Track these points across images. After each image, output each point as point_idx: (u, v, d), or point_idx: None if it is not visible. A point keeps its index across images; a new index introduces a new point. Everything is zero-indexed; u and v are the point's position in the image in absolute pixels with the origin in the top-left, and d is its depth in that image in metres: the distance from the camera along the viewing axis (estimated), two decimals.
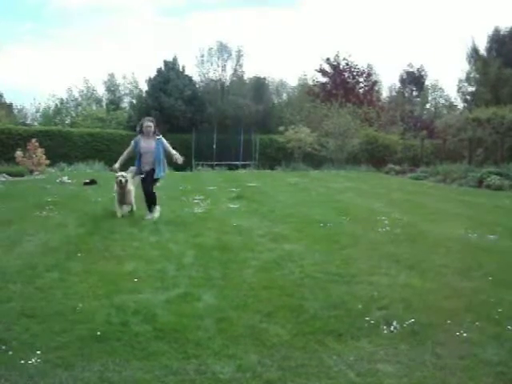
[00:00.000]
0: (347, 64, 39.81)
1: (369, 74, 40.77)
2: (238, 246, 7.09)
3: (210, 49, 36.92)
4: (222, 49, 36.92)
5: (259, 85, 37.29)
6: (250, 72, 41.86)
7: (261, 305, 4.59)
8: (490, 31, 38.21)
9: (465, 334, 3.94)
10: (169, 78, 31.79)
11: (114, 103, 43.12)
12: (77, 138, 28.42)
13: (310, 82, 42.18)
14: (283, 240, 7.51)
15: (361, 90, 39.85)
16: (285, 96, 45.57)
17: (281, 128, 28.90)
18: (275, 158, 28.95)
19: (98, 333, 3.88)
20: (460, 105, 40.77)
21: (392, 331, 4.01)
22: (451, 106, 42.89)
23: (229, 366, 3.42)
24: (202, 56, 36.89)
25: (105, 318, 4.22)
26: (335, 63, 39.80)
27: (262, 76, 38.83)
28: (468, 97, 39.03)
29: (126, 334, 3.90)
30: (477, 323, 4.18)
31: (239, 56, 37.20)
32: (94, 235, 7.72)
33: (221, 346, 3.70)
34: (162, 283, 5.28)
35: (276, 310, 4.45)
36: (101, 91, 45.91)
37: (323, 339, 3.85)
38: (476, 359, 3.55)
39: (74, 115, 41.77)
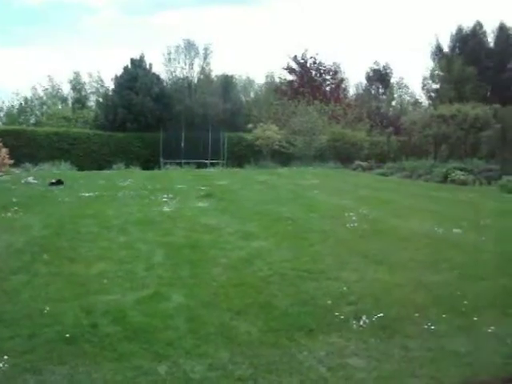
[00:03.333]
0: (314, 62, 40.08)
1: (335, 72, 41.13)
2: (207, 244, 7.07)
3: (177, 47, 36.67)
4: (189, 47, 36.67)
5: (227, 83, 37.18)
6: (217, 70, 41.76)
7: (231, 303, 4.59)
8: (454, 30, 38.98)
9: (432, 327, 4.01)
10: (136, 76, 31.46)
11: (80, 102, 42.41)
12: (42, 138, 27.88)
13: (278, 80, 42.34)
14: (252, 238, 7.52)
15: (328, 88, 40.17)
16: (252, 94, 45.61)
17: (249, 126, 28.93)
18: (244, 155, 28.93)
19: (67, 335, 3.82)
20: (425, 102, 41.41)
21: (361, 326, 4.06)
22: (416, 103, 43.52)
23: (200, 364, 3.41)
24: (169, 54, 36.62)
25: (73, 320, 4.16)
26: (302, 61, 40.02)
27: (230, 74, 38.78)
28: (432, 94, 39.65)
29: (95, 335, 3.85)
30: (444, 315, 4.26)
31: (206, 54, 37.02)
32: (60, 236, 7.60)
33: (192, 345, 3.69)
34: (131, 283, 5.23)
35: (246, 308, 4.45)
36: (66, 90, 45.13)
37: (294, 335, 3.87)
38: (443, 351, 3.63)
39: (38, 114, 40.96)
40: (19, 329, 3.97)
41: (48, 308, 4.41)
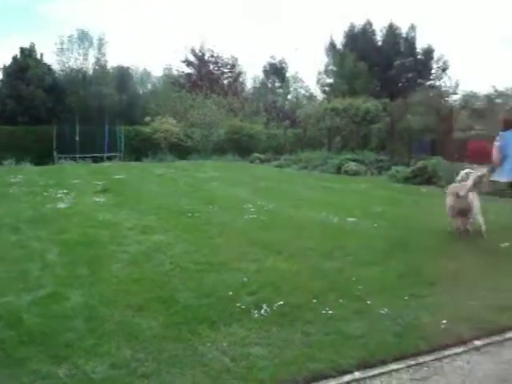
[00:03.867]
0: (212, 55, 40.10)
1: (233, 66, 41.40)
2: (105, 240, 6.90)
3: (70, 37, 35.21)
4: (83, 37, 35.35)
5: (123, 74, 36.35)
6: (113, 61, 40.63)
7: (132, 299, 4.52)
8: (346, 28, 40.58)
9: (330, 312, 4.19)
10: (27, 66, 29.89)
11: None
12: None
13: (176, 73, 41.93)
14: (152, 232, 7.43)
15: (226, 81, 40.35)
16: (150, 86, 44.85)
17: (147, 119, 28.42)
18: (141, 149, 28.31)
19: None
20: (319, 95, 42.74)
21: (263, 314, 4.15)
22: (311, 97, 44.79)
23: (101, 364, 3.33)
24: (62, 44, 35.08)
25: None
26: (200, 54, 39.90)
27: (126, 66, 37.90)
28: (326, 88, 41.04)
29: None
30: (340, 300, 4.46)
31: (101, 44, 35.86)
32: None
33: (92, 345, 3.60)
34: (25, 284, 4.99)
35: (147, 303, 4.41)
36: None
37: (196, 328, 3.89)
38: (341, 334, 3.80)
39: None
40: None
41: None
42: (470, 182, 7.24)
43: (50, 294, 4.70)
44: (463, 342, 3.78)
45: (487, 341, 3.84)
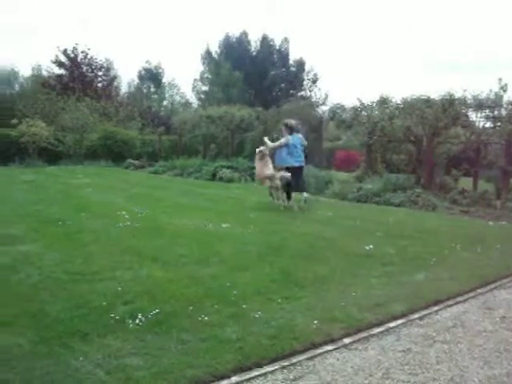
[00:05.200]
0: (85, 57, 38.76)
1: (108, 69, 40.33)
2: None
3: None
4: None
5: None
6: None
7: None
8: (222, 37, 41.21)
9: (206, 318, 4.23)
10: None
11: None
12: None
13: (45, 74, 40.00)
14: (18, 242, 7.02)
15: (100, 85, 39.19)
16: (17, 87, 42.38)
17: (13, 121, 26.77)
18: (7, 153, 26.57)
19: None
20: (195, 102, 42.93)
21: (138, 324, 4.09)
22: (187, 104, 44.86)
23: None
24: None
25: None
26: (73, 55, 38.41)
27: None
28: (202, 95, 41.37)
29: None
30: (216, 306, 4.52)
31: None
32: None
33: None
34: None
35: (14, 319, 4.15)
36: None
37: (68, 342, 3.74)
38: (217, 339, 3.85)
39: None
40: None
41: None
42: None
43: None
44: (333, 340, 3.99)
45: (355, 338, 4.09)
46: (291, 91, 41.14)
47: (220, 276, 5.52)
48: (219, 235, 7.82)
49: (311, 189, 14.09)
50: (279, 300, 4.79)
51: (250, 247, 6.98)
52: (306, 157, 11.71)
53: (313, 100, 37.38)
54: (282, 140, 11.31)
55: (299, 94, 41.28)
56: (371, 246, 7.12)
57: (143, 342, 3.77)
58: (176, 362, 3.48)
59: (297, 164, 11.24)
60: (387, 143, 16.19)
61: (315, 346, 3.89)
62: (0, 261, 6.01)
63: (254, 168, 13.33)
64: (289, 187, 11.00)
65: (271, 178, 11.00)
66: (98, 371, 3.34)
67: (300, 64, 42.47)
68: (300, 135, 11.62)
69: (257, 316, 4.34)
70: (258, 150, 11.34)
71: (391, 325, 4.41)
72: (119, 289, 4.95)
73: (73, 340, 3.77)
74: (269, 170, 11.10)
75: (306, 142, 11.63)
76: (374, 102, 16.68)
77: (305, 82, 43.26)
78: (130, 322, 4.13)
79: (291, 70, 42.42)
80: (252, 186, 16.29)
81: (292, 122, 11.75)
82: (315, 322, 4.24)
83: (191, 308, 4.45)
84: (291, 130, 11.43)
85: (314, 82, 43.04)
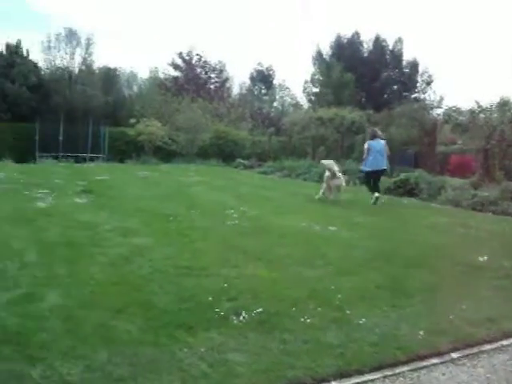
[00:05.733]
0: (200, 59, 40.08)
1: (220, 71, 41.43)
2: (84, 241, 6.82)
3: (58, 35, 34.93)
4: (71, 36, 35.10)
5: (109, 75, 36.17)
6: (100, 62, 40.39)
7: (109, 302, 4.47)
8: (333, 38, 40.94)
9: (308, 320, 4.19)
10: (12, 63, 29.59)
11: None
12: None
13: (162, 76, 41.83)
14: (132, 234, 7.38)
15: (212, 86, 40.35)
16: (136, 88, 44.70)
17: (131, 121, 28.29)
18: (125, 151, 28.16)
19: None
20: (305, 104, 42.96)
21: (241, 321, 4.14)
22: (297, 105, 45.00)
23: (77, 366, 3.29)
24: (49, 42, 34.79)
25: None
26: (188, 58, 39.86)
27: (113, 67, 37.71)
28: (312, 97, 41.31)
29: None
30: (319, 309, 4.46)
31: (89, 44, 35.64)
32: None
33: (68, 347, 3.55)
34: (2, 283, 4.92)
35: (125, 307, 4.36)
36: None
37: (174, 333, 3.86)
38: (318, 343, 3.80)
39: None
40: None
41: None
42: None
43: (27, 293, 4.64)
44: (440, 354, 3.80)
45: (463, 353, 3.87)
46: (404, 93, 40.02)
47: (325, 279, 5.45)
48: (326, 238, 7.75)
49: (423, 194, 13.67)
50: (384, 307, 4.64)
51: (357, 252, 6.85)
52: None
53: (427, 102, 36.07)
54: (364, 145, 12.85)
55: (412, 96, 40.06)
56: (485, 258, 6.72)
57: (245, 339, 3.81)
58: (277, 362, 3.48)
59: (379, 168, 12.60)
60: (507, 148, 15.27)
61: (420, 357, 3.72)
62: (117, 251, 6.35)
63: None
64: (368, 185, 12.99)
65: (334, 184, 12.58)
66: (200, 363, 3.41)
67: (413, 65, 41.17)
68: (382, 141, 12.77)
69: (360, 322, 4.23)
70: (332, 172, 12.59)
71: (504, 343, 4.12)
72: (224, 285, 5.03)
73: (178, 331, 3.88)
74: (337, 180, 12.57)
75: (387, 147, 12.81)
76: (492, 105, 15.82)
77: (418, 84, 41.90)
78: (234, 318, 4.18)
79: (404, 71, 41.25)
80: (360, 190, 16.01)
81: (374, 129, 13.56)
82: (421, 332, 4.07)
83: (294, 309, 4.43)
84: (373, 136, 12.89)
85: (429, 83, 41.56)
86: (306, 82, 42.25)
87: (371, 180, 12.85)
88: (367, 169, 12.81)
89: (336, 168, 12.68)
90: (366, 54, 40.77)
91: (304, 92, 43.01)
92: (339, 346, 3.77)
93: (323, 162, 13.45)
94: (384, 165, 12.78)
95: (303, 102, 44.27)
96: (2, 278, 5.11)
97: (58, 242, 6.75)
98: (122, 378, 3.19)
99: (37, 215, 8.69)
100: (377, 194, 12.32)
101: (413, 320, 4.36)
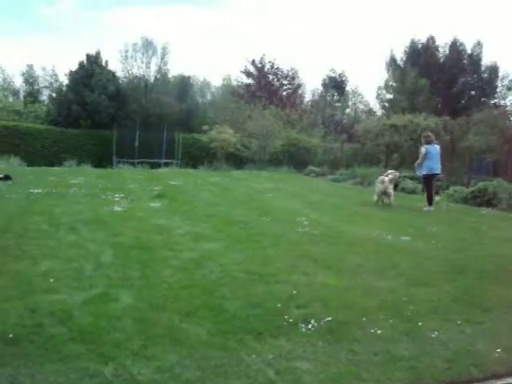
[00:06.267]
0: (272, 67, 40.32)
1: (293, 78, 41.50)
2: (157, 245, 7.00)
3: (135, 45, 36.21)
4: (147, 45, 36.30)
5: (184, 83, 37.04)
6: (174, 70, 41.43)
7: (180, 305, 4.55)
8: (407, 43, 40.12)
9: (379, 331, 4.09)
10: (92, 73, 30.94)
11: (32, 96, 41.45)
12: None
13: (234, 83, 42.40)
14: (204, 239, 7.49)
15: (284, 93, 40.47)
16: (209, 96, 45.53)
17: (204, 127, 28.82)
18: (198, 157, 28.77)
19: (10, 335, 3.71)
20: (378, 111, 42.29)
21: (310, 329, 4.10)
22: (370, 112, 44.37)
23: (147, 367, 3.37)
24: (127, 51, 36.12)
25: (17, 319, 4.04)
26: (260, 65, 40.20)
27: (187, 75, 38.59)
28: (386, 104, 40.60)
29: (40, 336, 3.76)
30: (390, 320, 4.35)
31: (164, 53, 36.72)
32: (6, 233, 7.38)
33: (139, 347, 3.64)
34: (78, 283, 5.13)
35: (195, 310, 4.43)
36: (18, 83, 44.05)
37: (242, 338, 3.87)
38: (389, 355, 3.70)
39: None
40: None
41: None
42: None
43: (102, 294, 4.81)
44: None
45: None
46: (483, 99, 38.59)
47: (396, 289, 5.32)
48: (398, 247, 7.56)
49: (502, 204, 13.13)
50: (459, 321, 4.46)
51: (431, 263, 6.64)
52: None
53: (507, 108, 34.61)
54: (421, 149, 12.97)
55: (492, 102, 38.56)
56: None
57: (314, 348, 3.77)
58: (345, 372, 3.42)
59: (435, 172, 12.89)
60: None
61: (497, 376, 3.53)
62: (188, 255, 6.47)
63: (438, 180, 14.17)
64: (428, 190, 12.97)
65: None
66: (268, 370, 3.40)
67: (493, 69, 39.62)
68: (437, 146, 13.05)
69: (433, 336, 4.09)
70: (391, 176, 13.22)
71: None
72: (294, 292, 5.01)
73: (247, 337, 3.89)
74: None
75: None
76: None
77: (498, 89, 40.31)
78: (303, 326, 4.15)
79: (483, 75, 39.79)
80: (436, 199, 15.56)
81: (427, 133, 13.54)
82: (498, 350, 3.87)
83: (364, 319, 4.35)
84: (429, 141, 12.99)
85: (510, 89, 39.90)
86: (379, 89, 41.63)
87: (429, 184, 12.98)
88: (424, 172, 12.92)
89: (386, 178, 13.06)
90: (442, 59, 39.65)
91: (377, 98, 42.38)
92: (410, 359, 3.65)
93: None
94: (439, 169, 13.00)
95: (376, 108, 43.63)
96: (78, 278, 5.31)
97: (132, 244, 6.96)
98: (190, 380, 3.23)
99: (113, 218, 9.00)
100: (437, 198, 12.83)
101: (489, 336, 4.16)
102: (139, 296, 4.77)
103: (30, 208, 9.76)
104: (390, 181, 12.96)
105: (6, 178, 14.96)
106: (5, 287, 4.88)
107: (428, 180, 13.00)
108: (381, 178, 13.13)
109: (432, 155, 12.71)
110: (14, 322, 3.98)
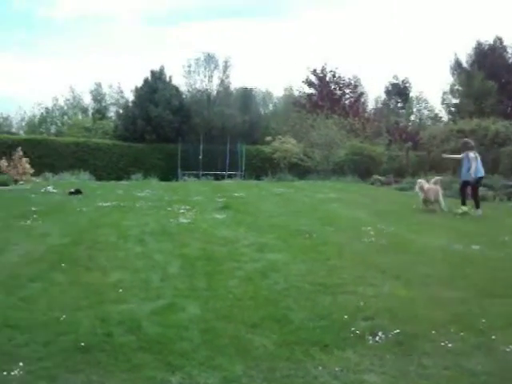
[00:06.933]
0: (334, 76, 40.08)
1: (355, 86, 41.09)
2: (223, 256, 7.06)
3: (197, 59, 36.91)
4: (209, 59, 36.91)
5: (246, 95, 37.39)
6: (236, 83, 41.91)
7: (246, 315, 4.57)
8: (473, 45, 38.93)
9: (449, 345, 3.95)
10: (156, 88, 31.79)
11: (100, 112, 43.02)
12: (62, 147, 28.21)
13: (296, 93, 42.42)
14: (268, 250, 7.50)
15: (347, 102, 40.12)
16: (271, 106, 45.75)
17: (267, 138, 28.96)
18: (261, 168, 28.94)
19: (82, 344, 3.84)
20: (444, 116, 41.24)
21: (377, 341, 4.02)
22: (436, 118, 43.32)
23: (214, 377, 3.39)
24: (189, 66, 36.86)
25: (89, 328, 4.18)
26: (322, 75, 40.05)
27: (249, 87, 38.96)
28: (452, 108, 39.52)
29: (110, 344, 3.86)
30: (461, 333, 4.20)
31: (226, 67, 37.21)
32: (78, 245, 7.66)
33: (206, 357, 3.68)
34: (146, 294, 5.25)
35: (261, 321, 4.43)
36: (87, 100, 45.86)
37: (308, 350, 3.84)
38: (460, 369, 3.57)
39: (59, 124, 41.55)
40: (35, 336, 4.01)
41: (64, 316, 4.44)
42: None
43: (169, 304, 4.89)
44: None
45: None
46: None
47: (467, 301, 5.13)
48: (468, 257, 7.30)
49: None
50: None
51: (504, 273, 6.36)
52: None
53: None
54: (470, 155, 12.94)
55: None
56: None
57: (381, 361, 3.69)
58: None
59: (483, 175, 13.30)
60: None
61: None
62: (253, 266, 6.49)
63: (510, 187, 14.64)
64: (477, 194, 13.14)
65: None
66: (334, 383, 3.36)
67: None
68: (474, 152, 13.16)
69: (507, 350, 3.91)
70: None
71: None
72: (360, 304, 4.93)
73: (313, 349, 3.86)
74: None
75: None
76: None
77: None
78: (370, 338, 4.07)
79: None
80: (507, 206, 14.98)
81: (466, 140, 13.98)
82: None
83: (434, 332, 4.21)
84: (466, 147, 13.30)
85: None
86: (444, 93, 40.60)
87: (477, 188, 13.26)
88: (480, 175, 13.14)
89: (425, 185, 13.28)
90: (510, 60, 38.22)
91: (443, 104, 41.34)
92: (483, 373, 3.51)
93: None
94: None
95: (442, 114, 42.55)
96: (146, 288, 5.44)
97: (198, 255, 7.05)
98: None
99: (179, 230, 9.16)
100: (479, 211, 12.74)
101: None
102: (205, 306, 4.82)
103: (100, 221, 10.09)
104: (430, 188, 13.19)
105: (77, 192, 15.55)
106: (77, 297, 5.05)
107: (478, 184, 13.21)
108: (420, 183, 13.40)
109: (478, 160, 13.04)
110: (86, 331, 4.11)
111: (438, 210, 13.03)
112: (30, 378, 3.34)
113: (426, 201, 13.20)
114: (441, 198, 13.23)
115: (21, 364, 3.49)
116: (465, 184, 13.21)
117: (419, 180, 13.97)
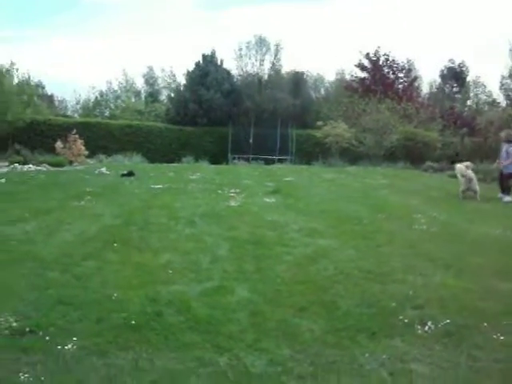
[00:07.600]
0: (387, 59, 39.24)
1: (409, 70, 40.13)
2: (272, 240, 7.09)
3: (249, 43, 36.80)
4: (261, 43, 36.73)
5: (297, 79, 37.03)
6: (287, 66, 41.54)
7: (294, 300, 4.59)
8: None
9: (502, 337, 3.85)
10: (207, 72, 31.91)
11: (153, 96, 43.59)
12: (115, 130, 28.75)
13: (348, 77, 41.77)
14: (318, 236, 7.47)
15: (400, 86, 39.26)
16: (323, 91, 45.22)
17: (318, 123, 28.69)
18: (312, 152, 28.73)
19: (133, 322, 3.94)
20: (503, 102, 39.81)
21: (426, 331, 3.95)
22: (493, 103, 41.89)
23: (260, 359, 3.43)
24: (241, 50, 36.81)
25: (139, 307, 4.28)
26: (375, 59, 39.28)
27: (300, 71, 38.59)
28: (511, 93, 38.09)
29: (159, 324, 3.95)
30: None
31: (277, 50, 36.96)
32: (130, 226, 7.84)
33: (253, 340, 3.72)
34: (196, 275, 5.33)
35: (309, 306, 4.44)
36: (139, 84, 46.48)
37: (356, 336, 3.82)
38: None
39: (113, 107, 42.35)
40: (88, 313, 4.14)
41: (116, 294, 4.56)
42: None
43: (218, 286, 4.96)
44: None
45: None
46: None
47: None
48: None
49: None
50: None
51: None
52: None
53: None
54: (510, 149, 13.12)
55: None
56: None
57: (430, 351, 3.63)
58: (463, 378, 3.27)
59: None
60: None
61: None
62: (302, 251, 6.49)
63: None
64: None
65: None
66: (381, 370, 3.33)
67: None
68: None
69: None
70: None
71: None
72: (410, 292, 4.85)
73: (360, 336, 3.84)
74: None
75: None
76: None
77: None
78: (419, 327, 4.01)
79: None
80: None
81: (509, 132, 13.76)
82: None
83: (486, 324, 4.10)
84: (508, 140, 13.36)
85: None
86: (503, 78, 39.12)
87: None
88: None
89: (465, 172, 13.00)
90: None
91: (501, 89, 39.86)
92: None
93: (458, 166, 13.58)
94: None
95: (500, 99, 41.06)
96: (195, 270, 5.52)
97: (247, 239, 7.10)
98: (303, 375, 3.24)
99: (228, 213, 9.24)
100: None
101: None
102: (254, 290, 4.86)
103: (151, 202, 10.29)
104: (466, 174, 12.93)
105: (130, 174, 15.88)
106: (128, 277, 5.18)
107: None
108: (459, 167, 13.25)
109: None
110: (137, 310, 4.22)
111: (478, 199, 12.63)
112: (83, 353, 3.46)
113: (467, 189, 12.90)
114: (477, 186, 13.01)
115: (74, 339, 3.61)
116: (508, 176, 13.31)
117: (458, 165, 13.56)
